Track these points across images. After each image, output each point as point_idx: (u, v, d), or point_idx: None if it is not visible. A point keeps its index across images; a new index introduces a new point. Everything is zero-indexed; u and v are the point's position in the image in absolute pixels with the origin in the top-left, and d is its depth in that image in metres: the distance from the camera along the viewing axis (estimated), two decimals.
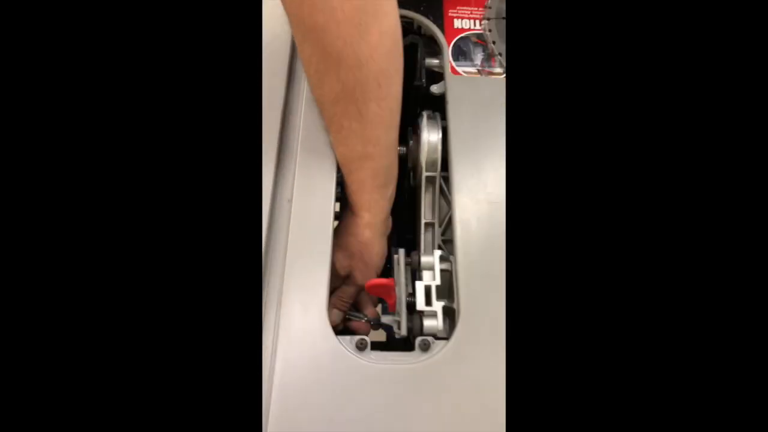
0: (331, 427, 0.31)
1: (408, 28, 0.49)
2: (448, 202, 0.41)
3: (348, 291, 0.42)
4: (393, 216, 0.44)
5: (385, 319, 0.37)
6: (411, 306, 0.37)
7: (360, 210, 0.41)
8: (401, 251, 0.38)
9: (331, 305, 0.40)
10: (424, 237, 0.41)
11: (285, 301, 0.34)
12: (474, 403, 0.32)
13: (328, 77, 0.33)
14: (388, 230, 0.43)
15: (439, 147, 0.42)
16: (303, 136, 0.41)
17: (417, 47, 0.48)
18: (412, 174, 0.47)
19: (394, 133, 0.39)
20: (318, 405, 0.31)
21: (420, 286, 0.36)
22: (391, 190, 0.42)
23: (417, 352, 0.34)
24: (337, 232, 0.42)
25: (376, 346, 0.34)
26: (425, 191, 0.43)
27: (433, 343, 0.34)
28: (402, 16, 0.46)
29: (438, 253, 0.37)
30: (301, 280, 0.35)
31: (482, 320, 0.34)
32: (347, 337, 0.34)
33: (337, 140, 0.38)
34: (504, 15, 0.47)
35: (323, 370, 0.32)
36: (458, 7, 0.48)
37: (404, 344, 0.37)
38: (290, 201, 0.38)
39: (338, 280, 0.42)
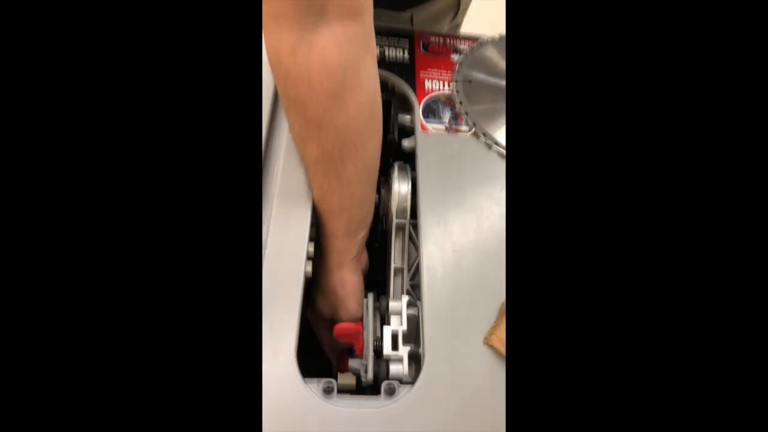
0: None
1: (383, 87, 0.53)
2: (417, 249, 0.43)
3: None
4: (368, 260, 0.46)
5: (353, 364, 0.38)
6: (378, 351, 0.38)
7: (332, 254, 0.43)
8: (371, 295, 0.40)
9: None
10: (394, 282, 0.43)
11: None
12: None
13: (309, 141, 0.36)
14: (363, 265, 0.44)
15: (409, 197, 0.45)
16: (281, 180, 0.43)
17: (391, 105, 0.52)
18: (384, 219, 0.49)
19: (369, 188, 0.42)
20: None
21: (387, 331, 0.37)
22: (362, 235, 0.44)
23: (382, 396, 0.35)
24: (315, 277, 0.43)
25: (343, 390, 0.35)
26: (395, 237, 0.45)
27: (399, 387, 0.35)
28: (380, 77, 0.50)
29: (405, 299, 0.39)
30: (271, 324, 0.36)
31: (446, 365, 0.36)
32: (314, 381, 0.34)
33: (317, 195, 0.41)
34: (471, 79, 0.52)
35: (289, 413, 0.33)
36: (429, 70, 0.53)
37: (371, 388, 0.37)
38: (265, 243, 0.39)
39: (326, 323, 0.43)
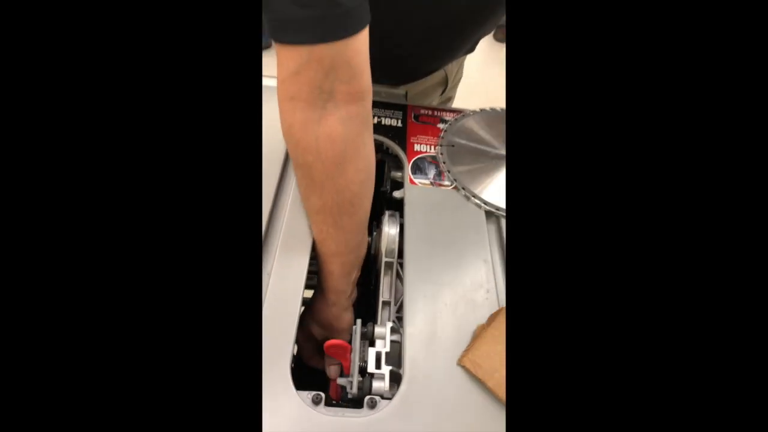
0: None
1: (379, 148, 0.62)
2: (402, 284, 0.49)
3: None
4: (358, 294, 0.51)
5: (341, 381, 0.42)
6: (363, 370, 0.42)
7: (328, 293, 0.49)
8: (359, 321, 0.45)
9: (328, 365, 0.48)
10: (381, 313, 0.48)
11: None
12: None
13: (313, 196, 0.43)
14: (353, 300, 0.50)
15: (397, 239, 0.52)
16: (287, 224, 0.50)
17: (385, 163, 0.61)
18: (374, 259, 0.56)
19: (362, 236, 0.49)
20: None
21: (372, 352, 0.42)
22: (355, 276, 0.50)
23: (365, 408, 0.39)
24: (311, 307, 0.49)
25: (329, 402, 0.39)
26: (384, 274, 0.51)
27: (380, 401, 0.39)
28: (376, 140, 0.59)
29: (389, 324, 0.45)
30: (271, 342, 0.41)
31: (423, 383, 0.40)
32: (305, 393, 0.39)
33: (317, 239, 0.48)
34: (453, 144, 0.61)
35: (284, 419, 0.37)
36: (418, 136, 0.62)
37: (354, 404, 0.42)
38: (269, 274, 0.46)
39: (313, 344, 0.49)
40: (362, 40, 0.36)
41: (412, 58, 0.64)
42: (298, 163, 0.42)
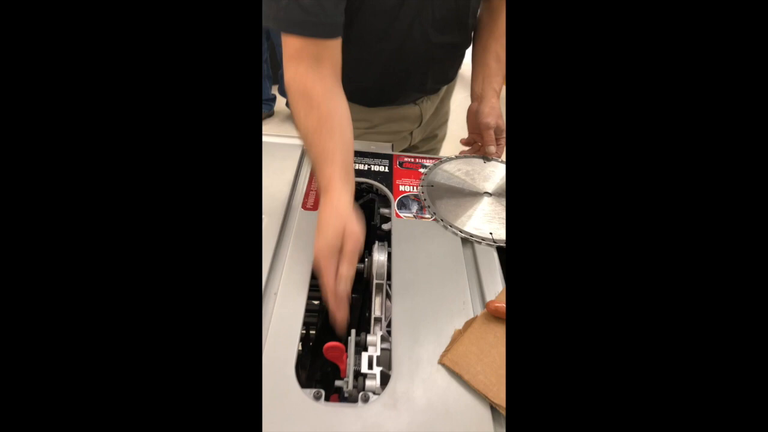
0: None
1: (369, 189, 0.72)
2: (391, 302, 0.57)
3: (344, 273, 0.50)
4: (353, 314, 0.59)
5: (338, 383, 0.49)
6: (357, 373, 0.49)
7: (332, 191, 0.54)
8: (353, 332, 0.52)
9: (337, 303, 0.51)
10: (374, 327, 0.56)
11: (266, 363, 0.47)
12: None
13: (310, 115, 0.58)
14: (358, 211, 0.55)
15: (386, 264, 0.60)
16: (290, 255, 0.58)
17: (375, 201, 0.70)
18: (367, 281, 0.64)
19: (350, 144, 0.61)
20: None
21: (365, 356, 0.49)
22: (352, 184, 0.58)
23: (359, 402, 0.45)
24: (321, 221, 0.54)
25: (328, 398, 0.46)
26: (376, 294, 0.59)
27: (372, 396, 0.46)
28: (366, 183, 0.70)
29: (379, 333, 0.52)
30: (277, 351, 0.48)
31: (408, 380, 0.47)
32: (308, 390, 0.45)
33: (316, 156, 0.57)
34: (433, 184, 0.71)
35: (290, 411, 0.43)
36: (402, 178, 0.72)
37: (351, 400, 0.48)
38: (276, 294, 0.54)
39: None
40: (334, 44, 0.60)
41: (374, 89, 0.80)
42: (297, 95, 0.59)
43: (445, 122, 1.03)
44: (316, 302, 0.61)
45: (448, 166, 0.76)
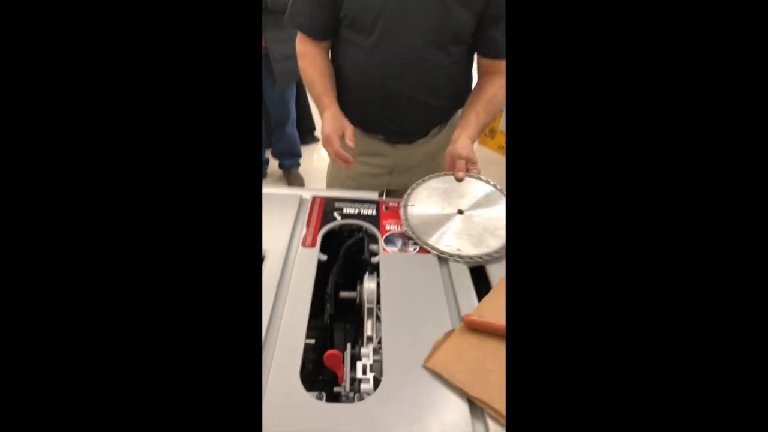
0: None
1: (358, 230, 0.83)
2: (380, 322, 0.65)
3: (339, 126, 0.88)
4: (347, 336, 0.67)
5: (337, 389, 0.56)
6: (353, 379, 0.57)
7: (324, 110, 0.92)
8: (348, 345, 0.61)
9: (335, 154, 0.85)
10: (367, 343, 0.64)
11: (273, 369, 0.55)
12: (383, 425, 0.50)
13: (313, 69, 0.96)
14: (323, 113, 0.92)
15: (375, 291, 0.70)
16: (293, 283, 0.68)
17: (365, 239, 0.81)
18: (360, 306, 0.72)
19: (309, 82, 0.98)
20: (294, 425, 0.49)
21: (359, 364, 0.57)
22: (318, 98, 0.94)
23: (356, 401, 0.53)
24: (321, 124, 0.90)
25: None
26: (367, 317, 0.68)
27: (366, 395, 0.53)
28: (355, 225, 0.81)
29: (371, 345, 0.60)
30: (284, 359, 0.56)
31: (397, 381, 0.55)
32: (312, 393, 0.53)
33: (305, 82, 0.99)
34: (413, 204, 0.83)
35: (296, 410, 0.51)
36: (388, 219, 0.84)
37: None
38: (281, 317, 0.62)
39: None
40: (311, 46, 0.96)
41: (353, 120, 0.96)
42: (305, 58, 0.96)
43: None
44: (311, 341, 0.69)
45: (428, 184, 0.88)
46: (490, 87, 0.92)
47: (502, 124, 2.80)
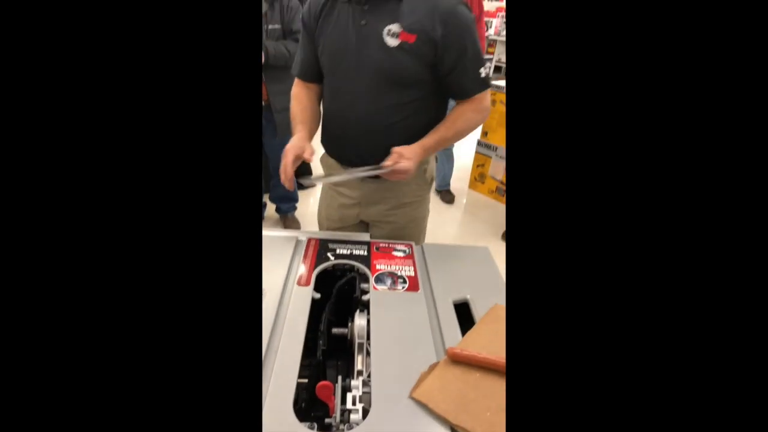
0: None
1: (350, 270, 0.88)
2: (370, 357, 0.69)
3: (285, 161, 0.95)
4: (339, 371, 0.70)
5: (328, 420, 0.59)
6: (343, 411, 0.60)
7: (295, 134, 1.04)
8: (339, 378, 0.64)
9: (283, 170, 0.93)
10: (357, 376, 0.67)
11: (268, 399, 0.58)
12: None
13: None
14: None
15: (365, 327, 0.74)
16: (288, 318, 0.72)
17: (356, 278, 0.86)
18: (351, 342, 0.76)
19: (291, 97, 1.13)
20: None
21: (349, 395, 0.61)
22: (305, 133, 1.04)
23: (346, 431, 0.56)
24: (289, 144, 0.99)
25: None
26: (358, 352, 0.71)
27: (355, 425, 0.56)
28: (347, 265, 0.86)
29: (361, 379, 0.64)
30: (278, 390, 0.59)
31: (382, 414, 0.58)
32: (305, 423, 0.56)
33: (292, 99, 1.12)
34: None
35: None
36: (379, 259, 0.89)
37: None
38: (276, 351, 0.66)
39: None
40: (300, 86, 1.12)
41: (326, 131, 1.10)
42: (291, 98, 1.10)
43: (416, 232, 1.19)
44: (303, 380, 0.72)
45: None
46: (457, 108, 1.01)
47: (491, 169, 2.92)
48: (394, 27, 0.89)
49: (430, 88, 0.96)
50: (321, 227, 1.21)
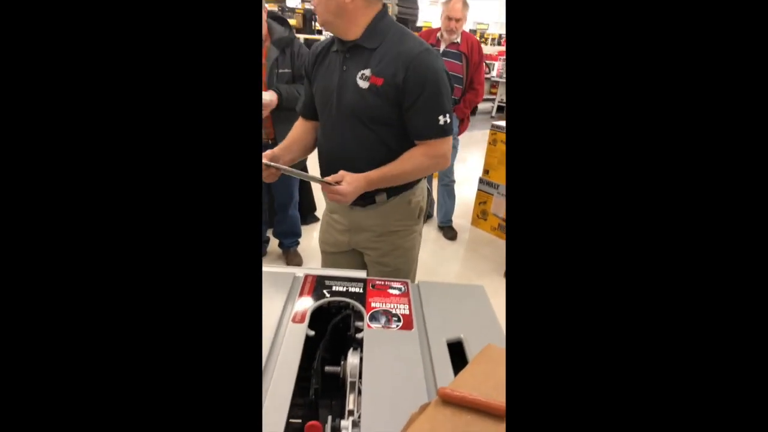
0: None
1: (345, 307, 0.89)
2: (361, 396, 0.69)
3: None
4: (332, 410, 0.70)
5: None
6: None
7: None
8: (329, 418, 0.63)
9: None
10: (348, 416, 0.67)
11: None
12: None
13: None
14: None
15: (358, 366, 0.74)
16: (282, 354, 0.72)
17: (351, 316, 0.87)
18: (343, 380, 0.76)
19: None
20: None
21: None
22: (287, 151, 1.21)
23: None
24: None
25: None
26: (350, 391, 0.71)
27: None
28: (343, 302, 0.87)
29: (351, 418, 0.63)
30: (268, 428, 0.59)
31: None
32: None
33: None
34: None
35: None
36: (374, 297, 0.90)
37: None
38: (271, 378, 0.66)
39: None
40: (299, 121, 1.27)
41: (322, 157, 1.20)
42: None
43: (407, 265, 1.25)
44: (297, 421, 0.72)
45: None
46: (411, 150, 1.10)
47: (494, 207, 2.95)
48: (366, 71, 1.03)
49: (397, 128, 1.07)
50: (321, 251, 1.33)
